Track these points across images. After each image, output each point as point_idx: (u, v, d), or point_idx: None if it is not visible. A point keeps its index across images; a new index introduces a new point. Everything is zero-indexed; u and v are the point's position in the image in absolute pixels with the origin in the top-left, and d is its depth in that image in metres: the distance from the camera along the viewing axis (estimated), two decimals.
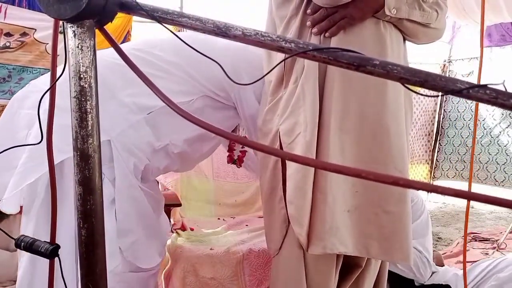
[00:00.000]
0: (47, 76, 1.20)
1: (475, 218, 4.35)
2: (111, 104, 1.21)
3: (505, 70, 4.36)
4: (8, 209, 1.16)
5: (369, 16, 1.14)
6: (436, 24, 1.24)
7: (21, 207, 1.19)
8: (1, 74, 2.72)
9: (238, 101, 1.40)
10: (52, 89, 0.60)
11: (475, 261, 2.16)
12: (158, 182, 2.35)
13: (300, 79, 1.17)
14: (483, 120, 4.88)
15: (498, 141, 4.82)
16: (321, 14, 1.14)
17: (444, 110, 5.39)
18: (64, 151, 1.05)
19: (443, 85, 0.45)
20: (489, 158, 4.85)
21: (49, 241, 0.65)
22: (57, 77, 0.60)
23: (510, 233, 3.45)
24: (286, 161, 1.21)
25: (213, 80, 1.36)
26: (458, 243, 3.27)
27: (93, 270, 0.60)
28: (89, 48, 0.53)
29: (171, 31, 0.59)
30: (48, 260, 0.67)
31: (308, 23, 1.17)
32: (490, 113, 4.84)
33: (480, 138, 4.84)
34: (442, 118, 5.41)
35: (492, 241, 3.47)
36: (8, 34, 2.72)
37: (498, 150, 4.81)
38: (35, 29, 2.79)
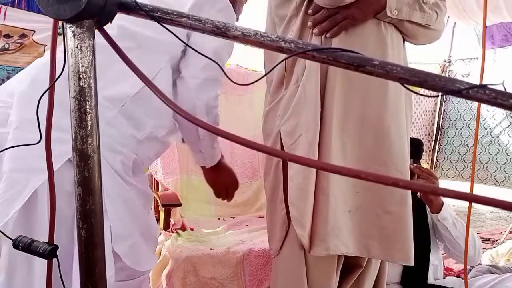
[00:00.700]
0: (11, 85, 1.15)
1: (475, 218, 4.35)
2: None
3: (509, 71, 4.36)
4: None
5: (371, 17, 1.14)
6: (436, 25, 1.24)
7: None
8: (0, 75, 2.73)
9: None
10: (51, 89, 0.60)
11: None
12: (153, 179, 2.34)
13: (301, 79, 1.17)
14: (484, 120, 4.88)
15: (498, 141, 4.82)
16: (323, 14, 1.14)
17: (444, 110, 5.39)
18: (38, 170, 0.99)
19: (442, 85, 0.44)
20: (489, 158, 4.85)
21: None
22: (55, 78, 0.60)
23: (510, 233, 3.45)
24: (288, 162, 1.21)
25: None
26: None
27: (92, 270, 0.60)
28: (88, 48, 0.53)
29: (172, 32, 0.59)
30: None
31: (309, 23, 1.17)
32: (490, 113, 4.84)
33: (481, 138, 4.84)
34: (442, 118, 5.41)
35: (492, 241, 3.47)
36: (7, 36, 2.72)
37: (499, 150, 4.80)
38: (34, 31, 2.79)
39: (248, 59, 2.88)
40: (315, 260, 1.21)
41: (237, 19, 1.49)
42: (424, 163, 5.33)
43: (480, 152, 4.87)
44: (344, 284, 1.32)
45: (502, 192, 4.63)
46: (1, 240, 1.06)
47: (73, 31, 0.52)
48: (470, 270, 2.05)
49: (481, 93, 0.43)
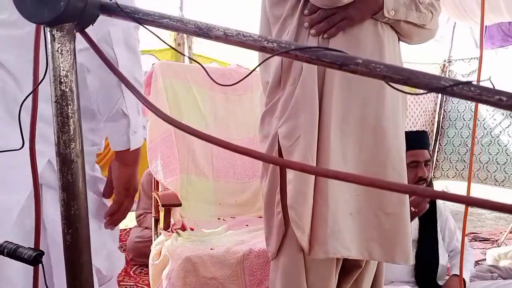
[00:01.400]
0: None
1: (475, 218, 4.34)
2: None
3: (509, 71, 4.35)
4: None
5: (368, 17, 1.14)
6: (431, 25, 1.24)
7: None
8: None
9: None
10: (34, 93, 0.59)
11: (476, 261, 2.15)
12: (153, 179, 2.31)
13: (298, 80, 1.16)
14: (483, 120, 4.87)
15: (498, 141, 4.81)
16: (320, 15, 1.13)
17: (444, 110, 5.39)
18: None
19: (426, 83, 0.44)
20: (489, 158, 4.85)
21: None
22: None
23: (510, 233, 3.44)
24: None
25: None
26: None
27: (79, 276, 0.60)
28: (69, 52, 0.52)
29: (155, 34, 0.58)
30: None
31: (306, 24, 1.15)
32: (490, 113, 4.84)
33: (481, 138, 4.84)
34: (442, 118, 5.41)
35: (492, 241, 3.46)
36: None
37: (498, 150, 4.80)
38: None
39: (248, 59, 2.87)
40: (314, 263, 1.20)
41: None
42: None
43: (480, 152, 4.86)
44: (343, 285, 1.32)
45: (502, 192, 4.63)
46: None
47: (53, 35, 0.51)
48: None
49: (466, 90, 0.42)
